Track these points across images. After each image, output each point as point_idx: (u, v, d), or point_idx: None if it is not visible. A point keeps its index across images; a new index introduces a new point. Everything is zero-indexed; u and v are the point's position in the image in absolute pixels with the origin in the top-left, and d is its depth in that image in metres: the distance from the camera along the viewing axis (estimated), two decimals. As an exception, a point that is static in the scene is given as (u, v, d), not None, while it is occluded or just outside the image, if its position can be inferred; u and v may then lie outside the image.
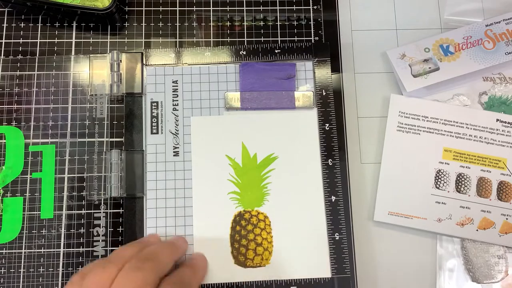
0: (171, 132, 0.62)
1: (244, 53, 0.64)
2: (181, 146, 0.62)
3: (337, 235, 0.60)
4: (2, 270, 0.59)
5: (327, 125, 0.62)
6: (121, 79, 0.63)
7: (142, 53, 0.64)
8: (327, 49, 0.65)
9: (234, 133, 0.62)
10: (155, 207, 0.60)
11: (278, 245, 0.59)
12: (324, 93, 0.63)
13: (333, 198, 0.61)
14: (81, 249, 0.60)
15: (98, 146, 0.62)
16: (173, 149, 0.61)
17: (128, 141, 0.61)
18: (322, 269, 0.59)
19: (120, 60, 0.63)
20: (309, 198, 0.61)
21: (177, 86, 0.63)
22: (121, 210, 0.61)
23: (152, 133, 0.62)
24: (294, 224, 0.60)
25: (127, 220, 0.60)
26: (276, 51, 0.64)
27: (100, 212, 0.61)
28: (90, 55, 0.64)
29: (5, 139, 0.62)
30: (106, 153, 0.61)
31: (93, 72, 0.63)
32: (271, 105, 0.63)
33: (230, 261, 0.59)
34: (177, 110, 0.62)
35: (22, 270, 0.59)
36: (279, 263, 0.59)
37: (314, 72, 0.64)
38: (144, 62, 0.63)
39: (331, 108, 0.63)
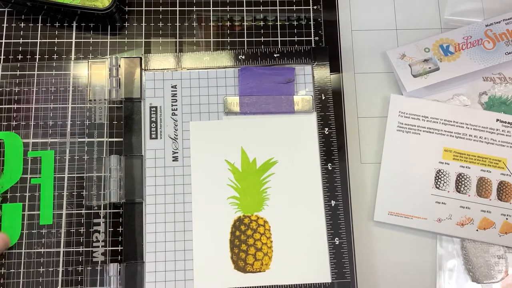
0: (170, 137, 0.62)
1: (243, 57, 0.64)
2: (180, 151, 0.61)
3: (337, 240, 0.60)
4: (2, 271, 0.59)
5: (327, 129, 0.62)
6: (120, 84, 0.62)
7: (140, 58, 0.63)
8: (326, 53, 0.65)
9: (233, 137, 0.62)
10: (155, 212, 0.60)
11: (278, 250, 0.60)
12: (323, 97, 0.63)
13: (333, 202, 0.61)
14: (80, 257, 0.60)
15: (97, 151, 0.62)
16: (172, 154, 0.61)
17: (127, 146, 0.61)
18: (322, 274, 0.59)
19: (119, 65, 0.63)
20: (308, 202, 0.61)
21: (176, 90, 0.63)
22: (120, 215, 0.61)
23: (151, 138, 0.62)
24: (294, 229, 0.60)
25: (126, 225, 0.60)
26: (275, 55, 0.64)
27: (100, 218, 0.61)
28: (89, 60, 0.64)
29: (3, 145, 0.62)
30: (105, 158, 0.61)
31: (92, 77, 0.63)
32: (270, 109, 0.63)
33: (230, 266, 0.59)
34: (176, 115, 0.62)
35: (21, 280, 0.59)
36: (279, 268, 0.59)
37: (313, 76, 0.64)
38: (143, 67, 0.63)
39: (330, 112, 0.63)
